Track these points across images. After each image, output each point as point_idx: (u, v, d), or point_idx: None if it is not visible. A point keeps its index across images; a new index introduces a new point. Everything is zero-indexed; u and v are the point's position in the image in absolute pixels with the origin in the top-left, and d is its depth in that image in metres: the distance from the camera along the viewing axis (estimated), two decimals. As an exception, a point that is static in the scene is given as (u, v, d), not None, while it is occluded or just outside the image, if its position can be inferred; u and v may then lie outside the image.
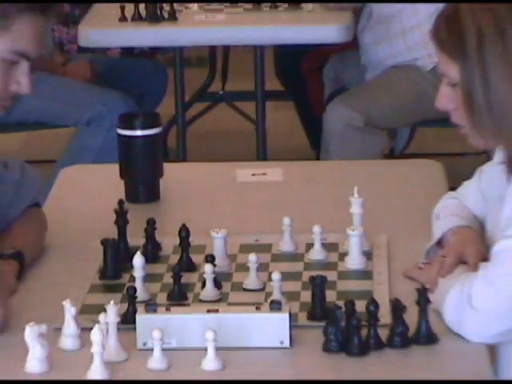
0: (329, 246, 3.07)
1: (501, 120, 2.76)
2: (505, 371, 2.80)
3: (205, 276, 2.86)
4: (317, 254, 3.05)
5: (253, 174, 3.65)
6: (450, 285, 2.70)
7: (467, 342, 2.64)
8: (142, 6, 5.23)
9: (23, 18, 2.82)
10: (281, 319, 2.63)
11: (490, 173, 2.98)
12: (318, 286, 2.74)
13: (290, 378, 2.58)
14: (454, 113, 2.84)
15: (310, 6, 5.34)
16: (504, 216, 2.74)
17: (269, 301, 2.73)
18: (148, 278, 2.88)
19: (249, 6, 5.36)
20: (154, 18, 5.23)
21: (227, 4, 5.39)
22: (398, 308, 2.62)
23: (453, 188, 3.17)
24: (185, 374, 2.55)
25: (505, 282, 2.63)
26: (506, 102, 2.74)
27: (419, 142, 5.67)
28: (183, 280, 2.88)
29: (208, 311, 2.68)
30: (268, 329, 2.63)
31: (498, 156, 2.90)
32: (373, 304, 2.60)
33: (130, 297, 2.75)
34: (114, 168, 3.47)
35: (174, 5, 5.27)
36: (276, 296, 2.76)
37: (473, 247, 2.83)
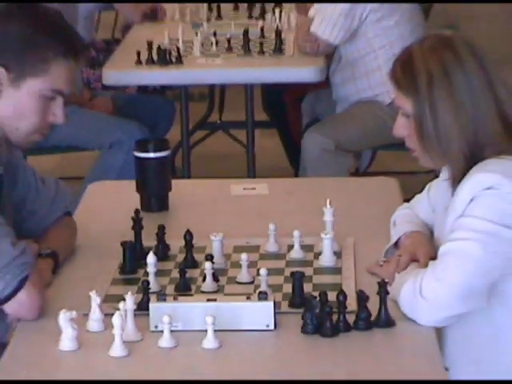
0: (306, 247, 3.08)
1: (446, 145, 2.77)
2: (449, 349, 2.81)
3: (205, 271, 2.88)
4: (296, 253, 3.07)
5: (244, 189, 3.65)
6: (405, 279, 2.71)
7: (418, 325, 2.65)
8: (154, 52, 5.23)
9: (59, 63, 2.84)
10: (267, 307, 2.66)
11: (437, 188, 2.99)
12: (297, 279, 2.76)
13: (273, 355, 2.61)
14: (407, 139, 2.85)
15: (290, 51, 5.34)
16: (448, 223, 2.75)
17: (257, 292, 2.76)
18: (159, 273, 2.89)
19: (241, 52, 5.34)
20: (164, 62, 5.22)
21: (223, 51, 5.38)
22: (362, 298, 2.64)
23: (406, 200, 3.18)
24: (189, 351, 2.57)
25: (449, 276, 2.65)
26: (450, 131, 2.75)
27: (379, 162, 5.67)
28: (187, 275, 2.90)
29: (208, 300, 2.71)
30: (256, 314, 2.65)
31: (444, 174, 2.92)
32: (342, 294, 2.63)
33: (144, 288, 2.77)
34: (131, 184, 3.48)
35: (180, 50, 5.27)
36: (263, 288, 2.78)
37: (423, 248, 2.85)
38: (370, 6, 5.17)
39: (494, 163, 2.73)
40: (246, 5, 6.29)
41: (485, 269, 2.67)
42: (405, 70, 2.82)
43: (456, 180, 2.80)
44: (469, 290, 2.66)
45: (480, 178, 2.71)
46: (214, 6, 6.24)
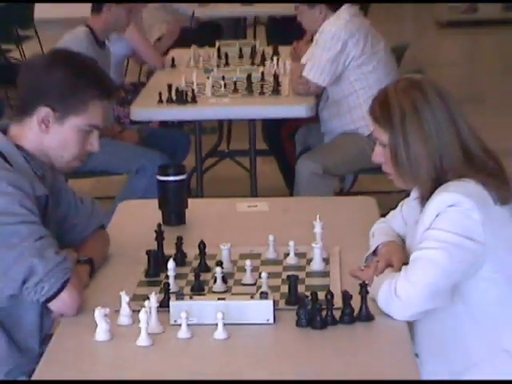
0: (299, 255, 3.06)
1: (416, 171, 2.77)
2: (419, 339, 2.81)
3: (216, 275, 2.87)
4: (291, 260, 3.05)
5: (248, 206, 3.63)
6: (382, 281, 2.71)
7: (393, 319, 2.65)
8: (173, 93, 5.23)
9: (95, 103, 2.85)
10: (267, 304, 2.66)
11: (409, 205, 2.99)
12: (293, 281, 2.76)
13: (273, 342, 2.61)
14: (383, 165, 2.85)
15: (286, 92, 5.33)
16: (418, 235, 2.75)
17: (259, 292, 2.76)
18: (177, 276, 2.89)
19: (245, 92, 5.34)
20: (181, 101, 5.22)
21: (230, 92, 5.38)
22: (346, 296, 2.63)
23: (383, 215, 3.17)
24: (202, 342, 2.57)
25: (419, 279, 2.65)
26: (420, 159, 2.75)
27: (360, 184, 5.66)
28: (201, 278, 2.90)
29: (218, 299, 2.71)
30: (259, 311, 2.65)
31: (414, 194, 2.93)
32: (329, 294, 2.62)
33: (165, 289, 2.78)
34: (154, 202, 3.46)
35: (195, 91, 5.27)
36: (264, 288, 2.78)
37: (397, 255, 2.84)
38: (352, 54, 5.16)
39: (456, 185, 2.73)
40: (249, 53, 6.29)
41: (448, 273, 2.67)
42: (382, 108, 2.83)
43: (424, 198, 2.80)
44: (435, 291, 2.66)
45: (444, 197, 2.71)
46: (223, 54, 6.25)
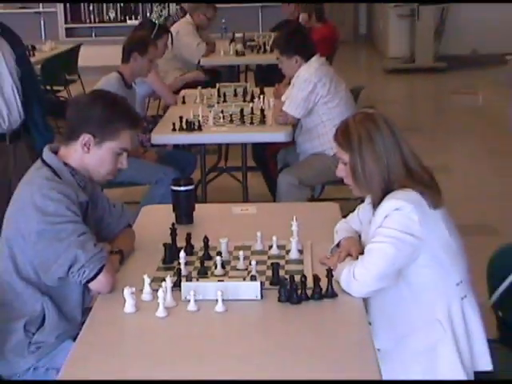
0: (280, 247, 3.05)
1: (370, 183, 2.78)
2: (372, 311, 2.80)
3: (216, 262, 2.86)
4: (274, 251, 3.03)
5: (241, 209, 3.62)
6: (343, 267, 2.71)
7: (352, 297, 2.65)
8: (183, 123, 5.22)
9: (126, 132, 2.85)
10: (256, 285, 2.66)
11: (364, 208, 2.98)
12: (275, 267, 2.76)
13: (260, 313, 2.60)
14: (345, 178, 2.85)
15: (270, 122, 5.32)
16: (371, 232, 2.76)
17: (250, 275, 2.77)
18: (187, 263, 2.87)
19: (238, 123, 5.32)
20: (190, 129, 5.20)
21: (228, 122, 5.37)
22: (316, 279, 2.64)
23: (344, 217, 3.16)
24: (206, 313, 2.56)
25: (371, 266, 2.66)
26: (373, 174, 2.76)
27: (326, 193, 5.66)
28: (205, 264, 2.89)
29: (218, 280, 2.71)
30: (250, 289, 2.65)
31: (368, 200, 2.93)
32: (303, 277, 2.63)
33: (178, 273, 2.78)
34: (169, 207, 3.45)
35: (200, 122, 5.26)
36: (253, 273, 2.78)
37: (355, 247, 2.84)
38: (320, 93, 5.14)
39: (400, 193, 2.73)
40: (241, 93, 6.28)
41: (394, 260, 2.67)
42: (343, 135, 2.82)
43: (375, 203, 2.81)
44: (384, 274, 2.67)
45: (391, 202, 2.71)
46: (222, 93, 6.24)
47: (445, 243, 2.76)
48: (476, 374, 2.77)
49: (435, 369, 2.72)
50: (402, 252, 2.68)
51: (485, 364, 2.78)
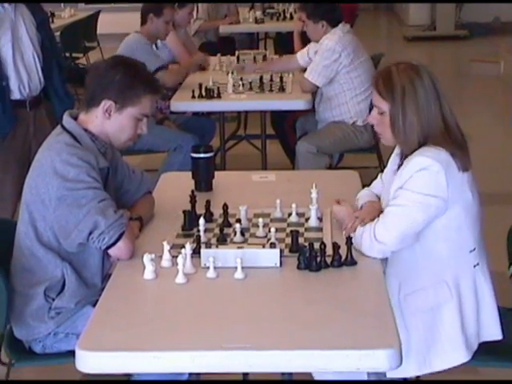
0: (300, 214, 3.04)
1: (409, 135, 2.72)
2: (387, 271, 2.79)
3: (236, 230, 2.86)
4: (293, 218, 3.02)
5: (260, 177, 3.61)
6: (362, 231, 2.70)
7: (371, 264, 2.64)
8: (203, 90, 5.21)
9: (147, 97, 2.84)
10: (275, 252, 2.65)
11: (389, 165, 2.94)
12: (294, 235, 2.76)
13: (279, 281, 2.60)
14: (376, 126, 2.80)
15: (289, 90, 5.32)
16: (392, 192, 2.73)
17: (269, 243, 2.76)
18: (206, 230, 2.87)
19: (258, 90, 5.32)
20: (209, 96, 5.20)
21: (247, 89, 5.35)
22: (336, 246, 2.63)
23: (364, 186, 3.14)
24: (226, 280, 2.56)
25: (393, 227, 2.65)
26: (413, 127, 2.70)
27: (345, 161, 5.64)
28: (224, 231, 2.88)
29: (237, 247, 2.70)
30: (269, 257, 2.64)
31: (397, 150, 2.89)
32: (323, 244, 2.62)
33: (197, 240, 2.77)
34: (188, 174, 3.45)
35: (219, 89, 5.26)
36: (272, 240, 2.77)
37: (375, 212, 2.79)
38: (344, 63, 5.12)
39: (430, 150, 2.68)
40: (261, 60, 6.25)
41: (414, 223, 2.66)
42: (385, 83, 2.74)
43: (405, 155, 2.76)
44: (406, 235, 2.67)
45: (419, 160, 2.67)
46: (241, 60, 6.21)
47: (466, 207, 2.73)
48: (484, 343, 2.76)
49: (435, 330, 2.72)
50: (425, 214, 2.66)
51: (493, 334, 2.77)
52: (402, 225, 2.65)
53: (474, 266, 2.76)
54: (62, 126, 2.84)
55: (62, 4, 10.30)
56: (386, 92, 2.73)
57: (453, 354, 2.72)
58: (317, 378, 2.75)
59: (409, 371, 2.73)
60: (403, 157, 2.79)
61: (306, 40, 5.83)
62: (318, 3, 5.31)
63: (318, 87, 5.25)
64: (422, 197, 2.64)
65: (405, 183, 2.67)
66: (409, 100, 2.70)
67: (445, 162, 2.66)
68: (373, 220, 2.74)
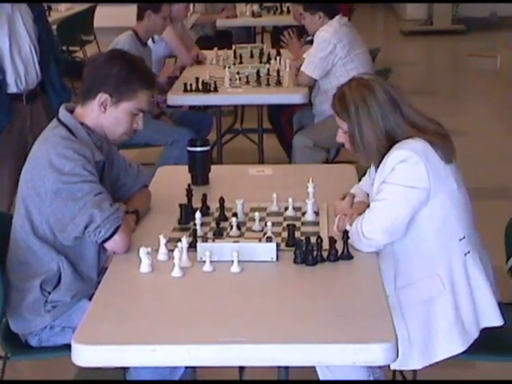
0: (296, 208, 3.04)
1: (368, 149, 2.76)
2: (380, 259, 2.76)
3: (232, 223, 2.85)
4: (290, 212, 3.02)
5: (257, 171, 3.60)
6: (352, 228, 2.71)
7: (368, 259, 2.65)
8: (199, 84, 5.21)
9: (143, 92, 2.83)
10: (271, 246, 2.65)
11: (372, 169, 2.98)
12: (291, 229, 2.75)
13: (276, 274, 2.59)
14: (345, 144, 2.85)
15: (286, 84, 5.31)
16: (376, 185, 2.75)
17: (265, 237, 2.76)
18: (203, 224, 2.87)
19: (255, 84, 5.32)
20: (206, 90, 5.20)
21: (244, 83, 5.36)
22: (332, 241, 2.63)
23: (359, 179, 3.15)
24: (222, 274, 2.56)
25: (377, 221, 2.67)
26: (370, 141, 2.75)
27: (342, 155, 5.63)
28: (221, 225, 2.88)
29: (234, 241, 2.70)
30: (265, 251, 2.64)
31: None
32: (319, 238, 2.62)
33: (194, 234, 2.77)
34: (185, 168, 3.44)
35: (216, 83, 5.25)
36: (269, 234, 2.77)
37: (363, 210, 2.79)
38: (339, 55, 5.13)
39: (406, 142, 2.70)
40: (258, 54, 6.25)
41: (396, 216, 2.67)
42: (340, 104, 2.81)
43: (375, 165, 2.80)
44: (392, 229, 2.68)
45: (397, 153, 2.69)
46: (238, 55, 6.21)
47: (451, 196, 2.74)
48: (485, 329, 2.77)
49: (430, 321, 2.73)
50: (408, 206, 2.67)
51: (493, 319, 2.77)
52: (387, 219, 2.67)
53: (465, 254, 2.76)
54: (58, 120, 2.83)
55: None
56: (341, 112, 2.79)
57: (449, 345, 2.73)
58: (321, 377, 2.77)
59: (412, 363, 2.75)
60: (375, 166, 2.81)
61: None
62: None
63: (315, 80, 5.25)
64: (403, 189, 2.66)
65: (386, 177, 2.69)
66: (363, 116, 2.74)
67: (423, 151, 2.68)
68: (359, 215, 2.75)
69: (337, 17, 5.24)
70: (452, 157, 2.75)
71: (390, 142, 2.73)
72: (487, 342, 2.77)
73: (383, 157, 2.73)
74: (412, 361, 2.74)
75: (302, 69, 5.22)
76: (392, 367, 2.68)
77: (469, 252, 2.77)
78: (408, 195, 2.66)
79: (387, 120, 2.73)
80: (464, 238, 2.76)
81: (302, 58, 5.31)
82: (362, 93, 2.75)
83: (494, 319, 2.77)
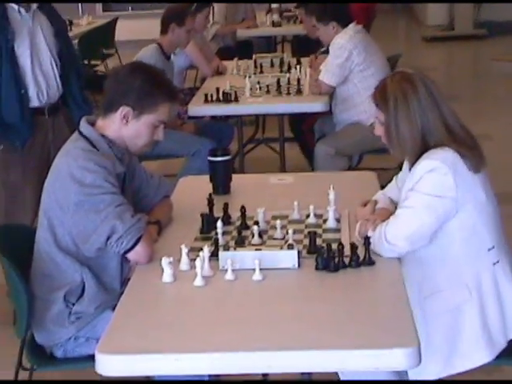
0: (318, 216, 3.05)
1: (403, 145, 2.77)
2: (405, 266, 2.76)
3: (253, 232, 2.87)
4: (311, 219, 3.03)
5: (278, 179, 3.62)
6: (375, 233, 2.71)
7: (388, 263, 2.66)
8: (220, 94, 5.24)
9: (165, 105, 2.86)
10: (293, 254, 2.65)
11: (402, 172, 2.97)
12: (312, 236, 2.76)
13: (298, 282, 2.60)
14: (382, 137, 2.85)
15: (307, 92, 5.33)
16: (404, 192, 2.75)
17: (287, 244, 2.77)
18: (224, 233, 2.89)
19: (275, 93, 5.34)
20: (227, 100, 5.23)
21: (264, 93, 5.38)
22: (353, 247, 2.64)
23: (382, 187, 3.14)
24: (244, 282, 2.57)
25: (403, 228, 2.66)
26: (405, 137, 2.75)
27: (364, 162, 5.63)
28: (242, 234, 2.89)
29: (256, 249, 2.70)
30: (287, 258, 2.64)
31: (406, 162, 2.91)
32: (341, 245, 2.63)
33: (215, 243, 2.78)
34: (206, 177, 3.46)
35: (237, 93, 5.28)
36: (290, 242, 2.77)
37: (388, 215, 2.80)
38: (356, 61, 5.14)
39: (436, 152, 2.70)
40: (278, 63, 6.27)
41: (421, 224, 2.67)
42: (380, 95, 2.80)
43: (411, 163, 2.79)
44: (416, 236, 2.68)
45: (426, 163, 2.69)
46: (258, 64, 6.23)
47: (480, 207, 2.73)
48: None
49: (456, 331, 2.72)
50: (433, 216, 2.67)
51: None
52: (412, 226, 2.67)
53: (494, 264, 2.75)
54: (79, 132, 2.87)
55: (80, 11, 10.36)
56: (380, 103, 2.79)
57: (475, 355, 2.71)
58: (342, 378, 2.76)
59: (431, 373, 2.73)
60: (410, 164, 2.81)
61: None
62: (324, 4, 5.33)
63: (333, 88, 5.26)
64: (430, 198, 2.66)
65: (414, 185, 2.69)
66: (401, 110, 2.73)
67: (452, 163, 2.68)
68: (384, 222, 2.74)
69: (350, 25, 5.25)
70: (481, 166, 2.75)
71: (424, 144, 2.73)
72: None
73: (416, 157, 2.73)
74: (432, 370, 2.71)
75: (320, 78, 5.23)
76: (411, 377, 2.65)
77: (498, 262, 2.76)
78: (434, 205, 2.66)
79: (424, 118, 2.72)
80: (493, 247, 2.75)
81: (319, 68, 5.33)
82: (404, 86, 2.75)
83: None
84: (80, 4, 13.12)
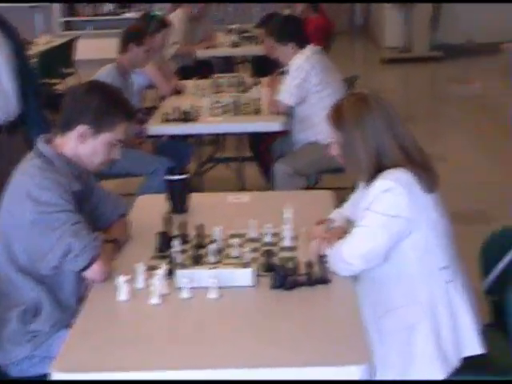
0: (274, 234, 3.06)
1: (357, 165, 2.78)
2: (360, 285, 2.79)
3: (210, 250, 2.87)
4: (268, 238, 3.04)
5: (235, 198, 3.63)
6: (330, 251, 2.74)
7: (343, 282, 2.68)
8: (179, 113, 5.23)
9: (121, 124, 2.86)
10: (249, 272, 2.67)
11: (358, 190, 2.99)
12: (268, 255, 2.78)
13: (254, 300, 2.61)
14: (338, 157, 2.86)
15: (265, 111, 5.36)
16: (359, 211, 2.77)
17: (243, 262, 2.77)
18: (181, 251, 2.88)
19: (234, 113, 5.36)
20: (185, 119, 5.21)
21: (223, 112, 5.40)
22: (309, 265, 2.65)
23: (337, 206, 3.17)
24: (200, 300, 2.57)
25: (358, 246, 2.69)
26: (359, 157, 2.76)
27: (322, 182, 5.67)
28: (199, 252, 2.90)
29: (212, 268, 2.71)
30: (243, 276, 2.66)
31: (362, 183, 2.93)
32: (296, 263, 2.65)
33: (172, 261, 2.79)
34: (164, 196, 3.48)
35: (197, 110, 5.28)
36: (247, 260, 2.79)
37: (342, 233, 2.83)
38: (313, 81, 5.18)
39: (391, 173, 2.72)
40: (236, 83, 6.30)
41: (375, 244, 2.69)
42: (335, 115, 2.82)
43: (366, 182, 2.80)
44: (371, 255, 2.70)
45: (381, 183, 2.71)
46: (217, 83, 6.25)
47: (433, 226, 2.76)
48: (467, 358, 2.76)
49: (410, 348, 2.72)
50: (387, 235, 2.69)
51: (474, 349, 2.76)
52: (367, 245, 2.69)
53: (447, 283, 2.77)
54: (36, 150, 2.86)
55: (36, 33, 10.32)
56: (335, 122, 2.81)
57: (429, 372, 2.71)
58: None
59: None
60: (366, 184, 2.82)
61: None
62: (283, 25, 5.36)
63: (292, 107, 5.29)
64: (385, 218, 2.68)
65: (370, 205, 2.71)
66: (356, 131, 2.75)
67: (407, 183, 2.70)
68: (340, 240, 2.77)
69: (309, 46, 5.29)
70: (434, 187, 2.77)
71: (379, 164, 2.74)
72: (470, 364, 2.76)
73: (371, 177, 2.75)
74: None
75: (278, 97, 5.26)
76: None
77: (451, 281, 2.78)
78: (389, 224, 2.68)
79: (379, 139, 2.74)
80: (446, 266, 2.77)
81: (277, 88, 5.36)
82: (359, 107, 2.77)
83: (476, 348, 2.76)
84: (37, 25, 13.10)
